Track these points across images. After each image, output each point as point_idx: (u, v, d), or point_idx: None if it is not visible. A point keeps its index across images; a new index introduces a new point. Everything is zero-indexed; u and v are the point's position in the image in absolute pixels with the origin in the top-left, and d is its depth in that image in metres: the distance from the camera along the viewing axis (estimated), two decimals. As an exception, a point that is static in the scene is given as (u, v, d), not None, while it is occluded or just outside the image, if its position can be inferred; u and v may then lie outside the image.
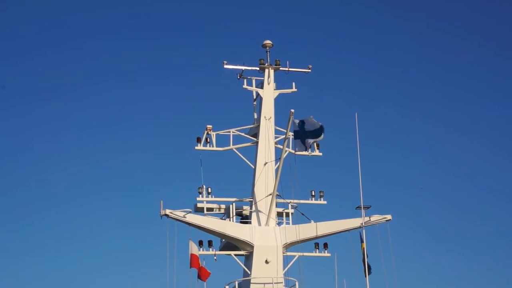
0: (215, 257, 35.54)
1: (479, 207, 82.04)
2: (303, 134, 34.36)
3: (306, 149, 35.26)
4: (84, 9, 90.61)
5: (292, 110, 33.38)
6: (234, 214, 36.64)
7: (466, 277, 76.40)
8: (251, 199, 36.41)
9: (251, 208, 36.37)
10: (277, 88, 37.94)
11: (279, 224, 36.14)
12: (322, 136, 34.13)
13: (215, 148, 37.19)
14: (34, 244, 79.73)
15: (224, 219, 36.43)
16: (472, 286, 75.49)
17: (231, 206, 36.82)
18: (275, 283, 34.13)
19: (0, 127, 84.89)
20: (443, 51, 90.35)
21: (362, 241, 35.13)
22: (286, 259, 35.46)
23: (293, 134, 35.03)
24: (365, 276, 34.64)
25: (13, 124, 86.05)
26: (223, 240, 36.49)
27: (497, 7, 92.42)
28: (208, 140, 37.11)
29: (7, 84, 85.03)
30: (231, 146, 37.41)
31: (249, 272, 34.64)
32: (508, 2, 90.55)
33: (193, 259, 34.34)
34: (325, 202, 37.27)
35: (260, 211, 35.81)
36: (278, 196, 35.71)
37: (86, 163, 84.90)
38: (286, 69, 38.13)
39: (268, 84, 37.65)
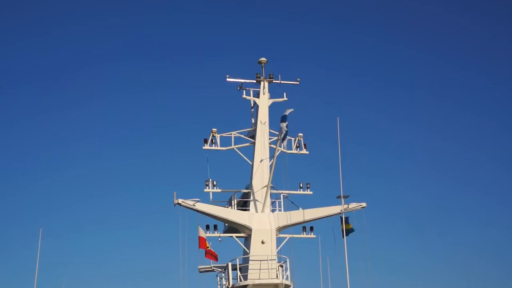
0: (219, 239, 38.68)
1: (440, 193, 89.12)
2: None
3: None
4: (105, 32, 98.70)
5: None
6: (236, 202, 39.35)
7: (430, 254, 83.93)
8: (249, 190, 39.39)
9: (249, 198, 39.26)
10: (271, 97, 40.93)
11: (272, 211, 39.19)
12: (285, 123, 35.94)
13: (219, 148, 40.01)
14: (74, 222, 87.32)
15: (227, 207, 39.37)
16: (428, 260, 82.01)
17: (232, 196, 39.59)
18: (269, 260, 37.43)
19: (45, 131, 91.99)
20: (409, 66, 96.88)
21: (343, 222, 38.01)
22: (279, 240, 38.69)
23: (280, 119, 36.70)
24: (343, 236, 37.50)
25: (55, 127, 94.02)
26: (226, 224, 39.51)
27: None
28: (214, 141, 39.93)
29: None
30: (233, 146, 40.34)
31: (248, 251, 38.00)
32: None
33: (201, 241, 37.75)
34: (311, 192, 40.36)
35: (257, 200, 39.01)
36: (272, 187, 38.94)
37: (113, 160, 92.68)
38: (279, 81, 41.08)
39: (264, 94, 40.73)
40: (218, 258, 38.12)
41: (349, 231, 38.22)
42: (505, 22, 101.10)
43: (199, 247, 37.81)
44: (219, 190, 39.65)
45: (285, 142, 38.44)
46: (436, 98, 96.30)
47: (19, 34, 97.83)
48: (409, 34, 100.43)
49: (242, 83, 41.06)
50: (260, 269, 37.25)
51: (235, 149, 40.46)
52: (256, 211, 39.03)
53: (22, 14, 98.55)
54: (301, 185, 40.34)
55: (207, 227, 38.65)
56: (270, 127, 40.66)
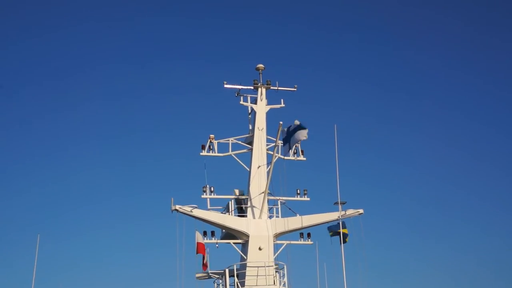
0: (217, 245, 38.61)
1: (434, 200, 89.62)
2: (288, 137, 37.23)
3: (290, 149, 38.07)
4: (103, 35, 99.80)
5: (281, 122, 36.67)
6: (233, 208, 39.28)
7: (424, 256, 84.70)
8: (247, 197, 39.34)
9: (246, 204, 39.28)
10: (268, 103, 40.89)
11: (270, 217, 39.20)
12: (306, 131, 36.41)
13: (216, 154, 39.89)
14: (71, 227, 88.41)
15: (224, 213, 39.22)
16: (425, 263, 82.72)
17: (230, 202, 39.48)
18: (267, 266, 37.45)
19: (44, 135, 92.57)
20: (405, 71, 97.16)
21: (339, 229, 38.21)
22: (276, 246, 38.69)
23: (282, 142, 38.18)
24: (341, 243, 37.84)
25: (53, 129, 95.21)
26: (224, 230, 39.41)
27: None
28: (211, 147, 39.87)
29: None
30: (230, 152, 40.25)
31: (245, 257, 38.00)
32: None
33: (199, 246, 37.84)
34: (308, 198, 40.22)
35: (254, 206, 39.00)
36: (270, 194, 38.99)
37: (111, 166, 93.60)
38: (276, 88, 41.10)
39: (261, 100, 40.74)
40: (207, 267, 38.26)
41: (345, 236, 38.29)
42: (509, 29, 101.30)
43: (197, 253, 37.87)
44: (216, 196, 39.50)
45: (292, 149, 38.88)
46: (435, 103, 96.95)
47: (19, 35, 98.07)
48: (409, 39, 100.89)
49: (239, 89, 41.06)
50: (257, 275, 37.28)
51: (232, 155, 40.41)
52: (254, 217, 39.04)
53: (22, 14, 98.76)
54: (299, 191, 40.29)
55: (205, 233, 38.64)
56: (268, 133, 40.70)
